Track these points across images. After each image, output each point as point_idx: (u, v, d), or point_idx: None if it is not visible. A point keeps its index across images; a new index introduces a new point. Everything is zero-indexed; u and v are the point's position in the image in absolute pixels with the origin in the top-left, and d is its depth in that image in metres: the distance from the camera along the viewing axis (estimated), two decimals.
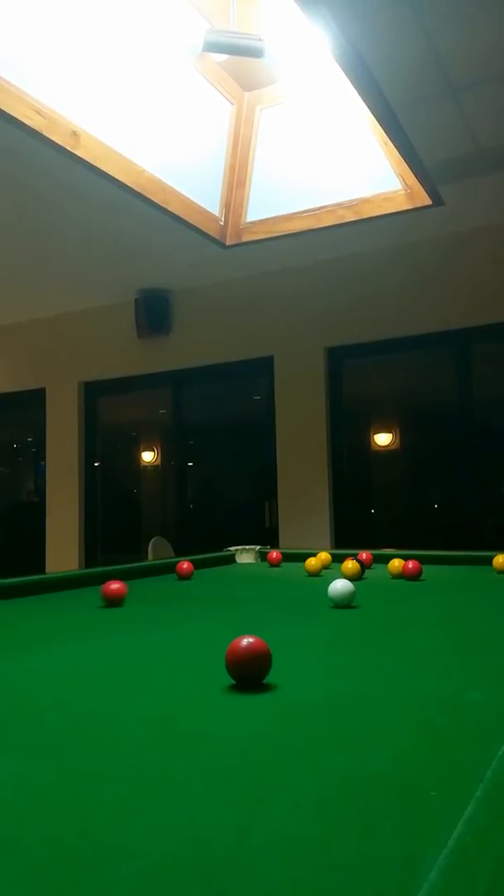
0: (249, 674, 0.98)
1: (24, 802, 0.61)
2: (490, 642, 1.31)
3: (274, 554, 3.04)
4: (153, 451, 6.22)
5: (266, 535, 5.06)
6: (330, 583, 1.78)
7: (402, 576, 2.40)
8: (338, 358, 5.23)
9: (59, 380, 6.28)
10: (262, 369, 5.45)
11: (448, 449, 4.96)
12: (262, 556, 3.25)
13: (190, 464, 6.06)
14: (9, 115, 3.10)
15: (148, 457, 6.26)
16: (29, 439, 6.95)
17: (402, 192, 4.15)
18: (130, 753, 0.73)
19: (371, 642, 1.33)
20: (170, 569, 2.69)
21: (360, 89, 3.08)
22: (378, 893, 0.44)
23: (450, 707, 0.87)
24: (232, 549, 3.28)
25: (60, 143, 3.37)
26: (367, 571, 2.57)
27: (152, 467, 6.24)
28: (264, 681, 0.98)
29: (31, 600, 2.04)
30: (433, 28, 2.71)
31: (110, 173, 3.68)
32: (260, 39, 3.45)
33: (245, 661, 0.97)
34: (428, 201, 4.10)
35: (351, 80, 3.03)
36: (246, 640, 0.98)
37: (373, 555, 2.83)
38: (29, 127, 3.20)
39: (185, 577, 2.55)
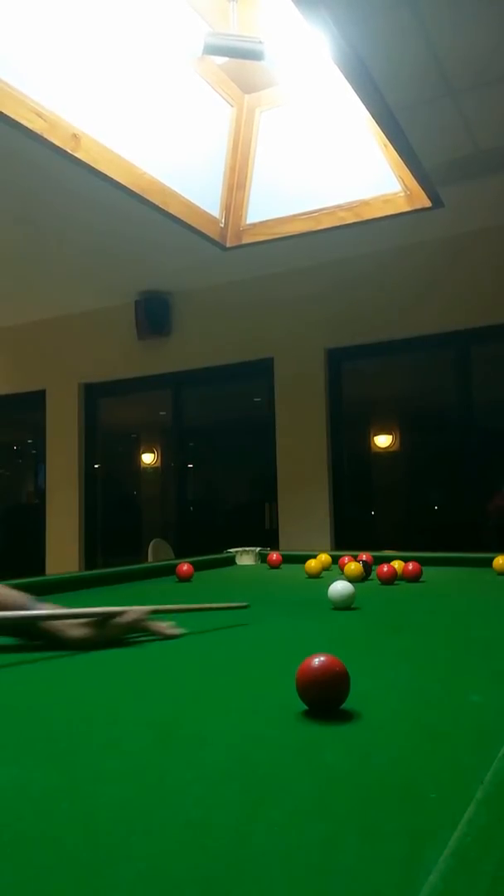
0: (327, 696, 0.84)
1: (25, 804, 0.61)
2: (491, 644, 1.31)
3: (274, 556, 3.03)
4: (153, 452, 6.23)
5: (266, 537, 5.06)
6: (330, 584, 1.78)
7: (403, 577, 2.40)
8: (338, 359, 5.24)
9: (59, 381, 6.28)
10: (262, 371, 5.45)
11: (448, 450, 4.96)
12: (263, 558, 3.25)
13: (190, 465, 6.06)
14: (9, 117, 3.11)
15: (148, 458, 6.26)
16: (29, 441, 6.95)
17: (402, 194, 4.16)
18: (131, 755, 0.73)
19: (371, 644, 1.33)
20: (170, 571, 2.69)
21: (359, 91, 3.09)
22: (377, 895, 0.44)
23: (450, 709, 0.87)
24: (232, 550, 3.28)
25: (61, 146, 3.38)
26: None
27: (152, 469, 6.25)
28: (263, 681, 0.98)
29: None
30: (433, 30, 2.71)
31: (111, 176, 3.69)
32: (260, 42, 3.45)
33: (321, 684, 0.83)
34: (427, 203, 4.10)
35: (350, 83, 3.03)
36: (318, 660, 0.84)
37: (373, 556, 2.82)
38: (29, 130, 3.21)
39: (185, 578, 2.55)
